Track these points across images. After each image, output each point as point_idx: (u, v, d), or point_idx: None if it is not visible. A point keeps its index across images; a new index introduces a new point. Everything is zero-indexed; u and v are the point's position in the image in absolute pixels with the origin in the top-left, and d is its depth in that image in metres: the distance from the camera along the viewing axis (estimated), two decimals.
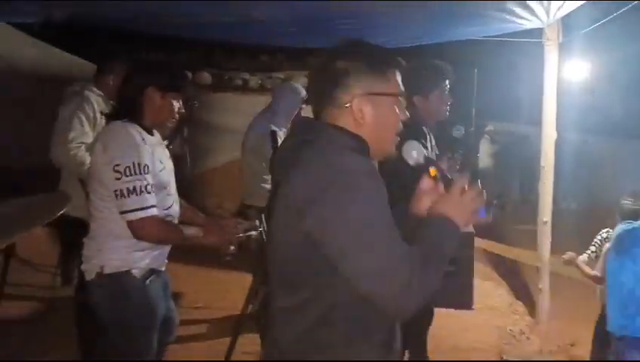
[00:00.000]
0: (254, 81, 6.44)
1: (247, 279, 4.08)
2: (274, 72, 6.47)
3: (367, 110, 1.40)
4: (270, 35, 4.35)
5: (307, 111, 3.96)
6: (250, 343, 3.17)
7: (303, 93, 3.86)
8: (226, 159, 6.11)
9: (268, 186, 3.75)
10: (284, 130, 3.93)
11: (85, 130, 2.98)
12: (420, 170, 1.51)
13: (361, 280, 1.28)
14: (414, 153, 1.50)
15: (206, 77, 6.39)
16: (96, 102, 3.06)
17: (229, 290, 4.46)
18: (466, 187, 1.41)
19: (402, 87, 1.46)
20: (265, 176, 3.76)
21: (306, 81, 5.92)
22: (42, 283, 3.88)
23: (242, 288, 4.18)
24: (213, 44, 6.14)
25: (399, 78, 1.46)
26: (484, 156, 7.66)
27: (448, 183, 1.46)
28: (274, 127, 3.75)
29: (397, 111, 1.45)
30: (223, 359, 2.85)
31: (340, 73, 1.41)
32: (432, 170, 1.49)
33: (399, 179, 1.67)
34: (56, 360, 3.11)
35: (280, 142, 3.78)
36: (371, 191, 1.31)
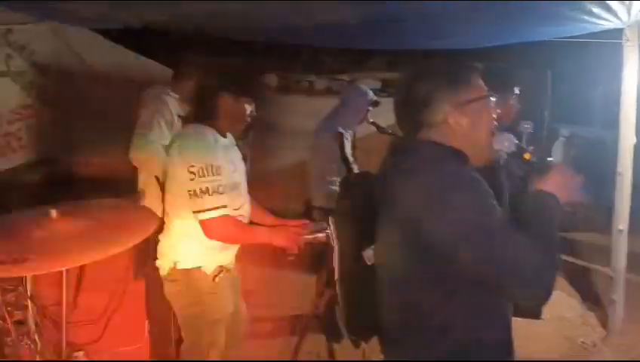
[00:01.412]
0: (320, 83, 6.49)
1: (309, 279, 4.13)
2: (340, 74, 6.50)
3: (464, 120, 1.46)
4: (339, 38, 4.37)
5: (374, 113, 3.99)
6: (314, 343, 3.20)
7: (370, 94, 3.87)
8: (291, 161, 6.19)
9: (334, 188, 3.78)
10: (351, 131, 3.95)
11: (163, 132, 3.11)
12: (514, 157, 1.54)
13: (493, 276, 1.32)
14: (506, 143, 1.54)
15: (272, 79, 6.49)
16: (173, 105, 3.19)
17: (291, 290, 4.51)
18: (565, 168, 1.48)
19: (485, 86, 1.48)
20: (331, 178, 3.79)
21: (371, 82, 5.93)
22: (117, 276, 4.06)
23: (305, 288, 4.23)
24: (280, 47, 6.22)
25: (480, 80, 1.50)
26: (558, 160, 7.39)
27: (545, 166, 1.51)
28: (341, 129, 3.79)
29: (488, 111, 1.48)
30: (289, 358, 2.89)
31: (426, 94, 1.46)
32: (527, 155, 1.53)
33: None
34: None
35: (346, 143, 3.83)
36: (479, 190, 1.36)
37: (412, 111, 1.49)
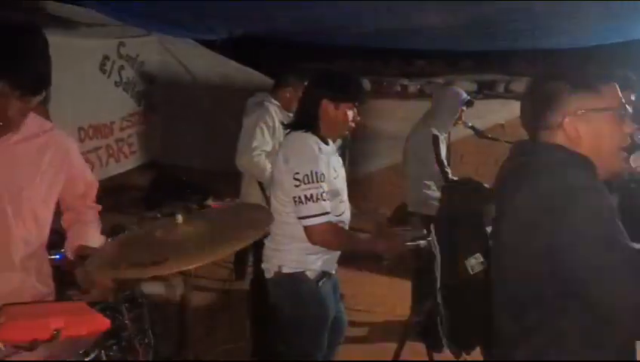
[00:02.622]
0: (413, 86, 6.43)
1: (404, 285, 4.10)
2: (433, 77, 6.40)
3: (582, 128, 1.39)
4: (434, 40, 4.31)
5: (468, 114, 3.90)
6: (413, 351, 3.17)
7: (463, 95, 3.79)
8: (382, 164, 6.18)
9: (429, 192, 3.73)
10: (445, 134, 3.88)
11: (266, 139, 3.22)
12: None
13: (599, 297, 1.27)
14: None
15: (365, 83, 6.51)
16: (275, 112, 3.30)
17: (386, 295, 4.50)
18: None
19: (622, 99, 1.41)
20: (427, 182, 3.74)
21: (467, 84, 5.80)
22: (220, 276, 4.25)
23: (400, 293, 4.20)
24: (372, 51, 6.23)
25: (616, 91, 1.41)
26: None
27: None
28: (435, 132, 3.73)
29: (617, 125, 1.40)
30: None
31: (549, 95, 1.41)
32: None
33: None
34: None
35: (442, 146, 3.77)
36: (601, 206, 1.29)
37: (535, 110, 1.45)
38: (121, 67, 5.09)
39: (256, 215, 1.87)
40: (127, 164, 5.17)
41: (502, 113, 5.09)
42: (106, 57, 4.90)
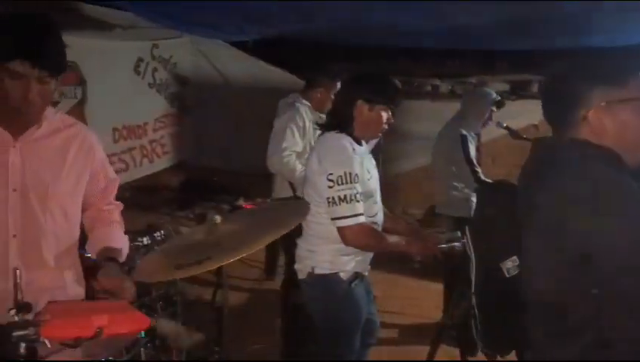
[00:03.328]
0: (445, 87, 6.36)
1: (435, 287, 4.07)
2: (465, 78, 6.32)
3: (607, 121, 1.35)
4: (467, 40, 4.26)
5: (501, 115, 3.84)
6: (444, 353, 3.15)
7: (493, 95, 3.76)
8: (412, 165, 6.14)
9: (457, 193, 3.70)
10: (474, 134, 3.85)
11: (296, 140, 3.24)
12: None
13: (636, 294, 1.24)
14: None
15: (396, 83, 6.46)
16: (305, 113, 3.32)
17: (417, 297, 4.47)
18: None
19: None
20: (455, 183, 3.71)
21: (500, 85, 5.72)
22: (250, 276, 4.29)
23: (431, 296, 4.17)
24: (403, 51, 6.18)
25: None
26: None
27: None
28: (464, 132, 3.70)
29: None
30: None
31: (573, 88, 1.38)
32: None
33: None
34: None
35: (471, 147, 3.73)
36: (629, 200, 1.26)
37: (558, 105, 1.42)
38: (155, 69, 5.17)
39: (294, 204, 1.88)
40: (160, 164, 5.25)
41: (535, 114, 4.98)
42: (140, 59, 4.99)
